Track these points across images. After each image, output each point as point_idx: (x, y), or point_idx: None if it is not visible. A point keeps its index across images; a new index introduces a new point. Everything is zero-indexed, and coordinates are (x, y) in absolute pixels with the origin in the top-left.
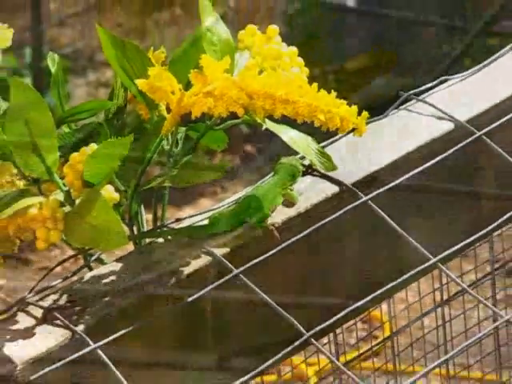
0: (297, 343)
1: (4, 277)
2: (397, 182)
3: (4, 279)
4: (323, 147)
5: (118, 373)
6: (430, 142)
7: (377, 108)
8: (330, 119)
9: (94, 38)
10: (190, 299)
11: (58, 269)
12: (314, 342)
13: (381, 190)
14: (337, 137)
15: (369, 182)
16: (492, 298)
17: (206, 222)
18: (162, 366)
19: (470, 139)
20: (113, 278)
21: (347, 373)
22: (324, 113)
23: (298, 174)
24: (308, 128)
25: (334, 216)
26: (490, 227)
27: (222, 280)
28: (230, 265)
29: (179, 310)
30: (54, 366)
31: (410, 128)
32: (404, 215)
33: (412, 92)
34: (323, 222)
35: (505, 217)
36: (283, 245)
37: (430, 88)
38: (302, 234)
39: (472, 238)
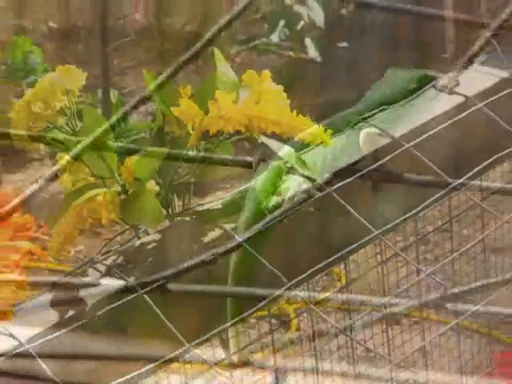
0: (282, 290)
1: (82, 244)
2: (351, 178)
3: (82, 246)
4: (300, 154)
5: (160, 312)
6: (374, 152)
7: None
8: (305, 135)
9: (143, 82)
10: (207, 259)
11: (118, 238)
12: (294, 290)
13: (339, 184)
14: (310, 147)
15: (333, 178)
16: (416, 259)
17: (219, 206)
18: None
19: (401, 149)
20: (154, 244)
21: (316, 310)
22: (301, 131)
23: (283, 173)
24: None
25: (307, 202)
26: (416, 210)
27: (230, 246)
28: (235, 235)
29: (200, 265)
30: (113, 305)
31: (360, 142)
32: (359, 200)
33: (362, 117)
34: (300, 205)
35: (426, 203)
36: (272, 222)
37: (375, 113)
38: (285, 215)
39: (403, 217)
